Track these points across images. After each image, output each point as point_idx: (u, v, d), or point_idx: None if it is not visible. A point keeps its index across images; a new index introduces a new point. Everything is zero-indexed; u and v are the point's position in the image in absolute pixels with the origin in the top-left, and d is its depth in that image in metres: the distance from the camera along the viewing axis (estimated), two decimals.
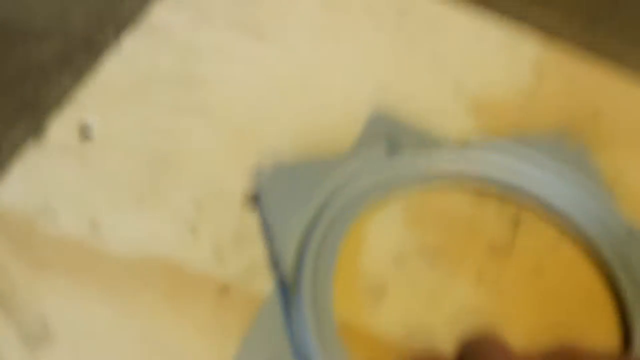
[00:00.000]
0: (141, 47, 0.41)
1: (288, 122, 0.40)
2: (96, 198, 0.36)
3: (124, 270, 0.34)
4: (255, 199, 0.36)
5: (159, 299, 0.33)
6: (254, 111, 0.40)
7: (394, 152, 0.39)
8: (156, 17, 0.42)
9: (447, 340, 0.31)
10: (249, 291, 0.34)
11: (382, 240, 0.37)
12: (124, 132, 0.38)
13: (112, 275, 0.34)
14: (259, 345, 0.33)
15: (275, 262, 0.34)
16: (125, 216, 0.35)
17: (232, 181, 0.37)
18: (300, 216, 0.35)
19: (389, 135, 0.39)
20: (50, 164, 0.36)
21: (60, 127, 0.38)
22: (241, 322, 0.33)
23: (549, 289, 0.38)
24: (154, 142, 0.38)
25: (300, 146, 0.39)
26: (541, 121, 0.43)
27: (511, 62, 0.45)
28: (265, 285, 0.34)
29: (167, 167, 0.37)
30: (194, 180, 0.37)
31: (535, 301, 0.37)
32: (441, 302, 0.36)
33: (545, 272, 0.38)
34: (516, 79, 0.44)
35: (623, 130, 0.44)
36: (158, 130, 0.38)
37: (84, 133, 0.37)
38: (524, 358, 0.23)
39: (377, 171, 0.38)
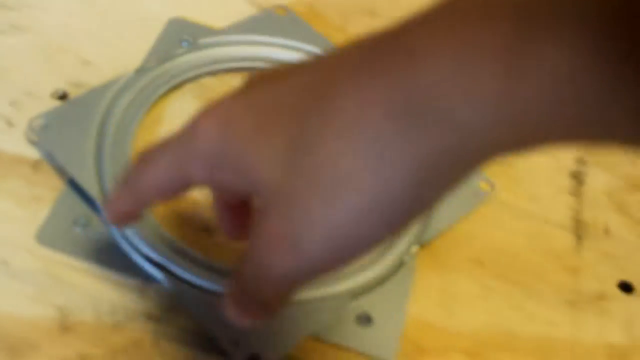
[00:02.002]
0: None
1: (92, 38, 0.45)
2: None
3: None
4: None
5: None
6: (65, 29, 0.46)
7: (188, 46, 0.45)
8: None
9: None
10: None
11: (176, 116, 0.43)
12: None
13: None
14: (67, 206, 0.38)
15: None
16: None
17: (44, 84, 0.43)
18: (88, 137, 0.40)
19: (183, 34, 0.46)
20: None
21: None
22: (52, 192, 0.39)
23: None
24: None
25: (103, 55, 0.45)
26: (324, 23, 0.50)
27: None
28: None
29: None
30: (11, 86, 0.43)
31: None
32: None
33: None
34: None
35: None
36: None
37: None
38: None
39: (171, 63, 0.44)
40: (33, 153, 0.40)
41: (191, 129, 0.27)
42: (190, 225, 0.39)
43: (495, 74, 0.20)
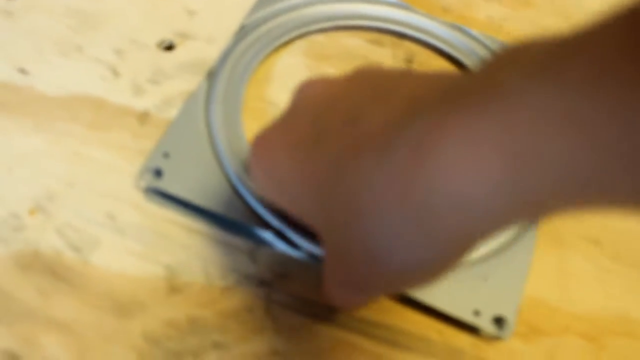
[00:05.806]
0: None
1: None
2: (23, 50, 0.39)
3: (53, 106, 0.38)
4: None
5: (85, 128, 0.37)
6: None
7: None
8: None
9: None
10: (165, 118, 0.38)
11: (286, 74, 0.41)
12: None
13: (43, 111, 0.37)
14: (182, 130, 0.37)
15: None
16: (52, 64, 0.39)
17: (149, 33, 0.41)
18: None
19: None
20: None
21: None
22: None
23: None
24: (75, 4, 0.42)
25: (209, 5, 0.43)
26: None
27: None
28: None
29: (89, 24, 0.41)
30: (114, 34, 0.41)
31: None
32: None
33: None
34: None
35: None
36: None
37: None
38: (334, 79, 0.28)
39: (281, 18, 0.42)
40: (139, 104, 0.38)
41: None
42: None
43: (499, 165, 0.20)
